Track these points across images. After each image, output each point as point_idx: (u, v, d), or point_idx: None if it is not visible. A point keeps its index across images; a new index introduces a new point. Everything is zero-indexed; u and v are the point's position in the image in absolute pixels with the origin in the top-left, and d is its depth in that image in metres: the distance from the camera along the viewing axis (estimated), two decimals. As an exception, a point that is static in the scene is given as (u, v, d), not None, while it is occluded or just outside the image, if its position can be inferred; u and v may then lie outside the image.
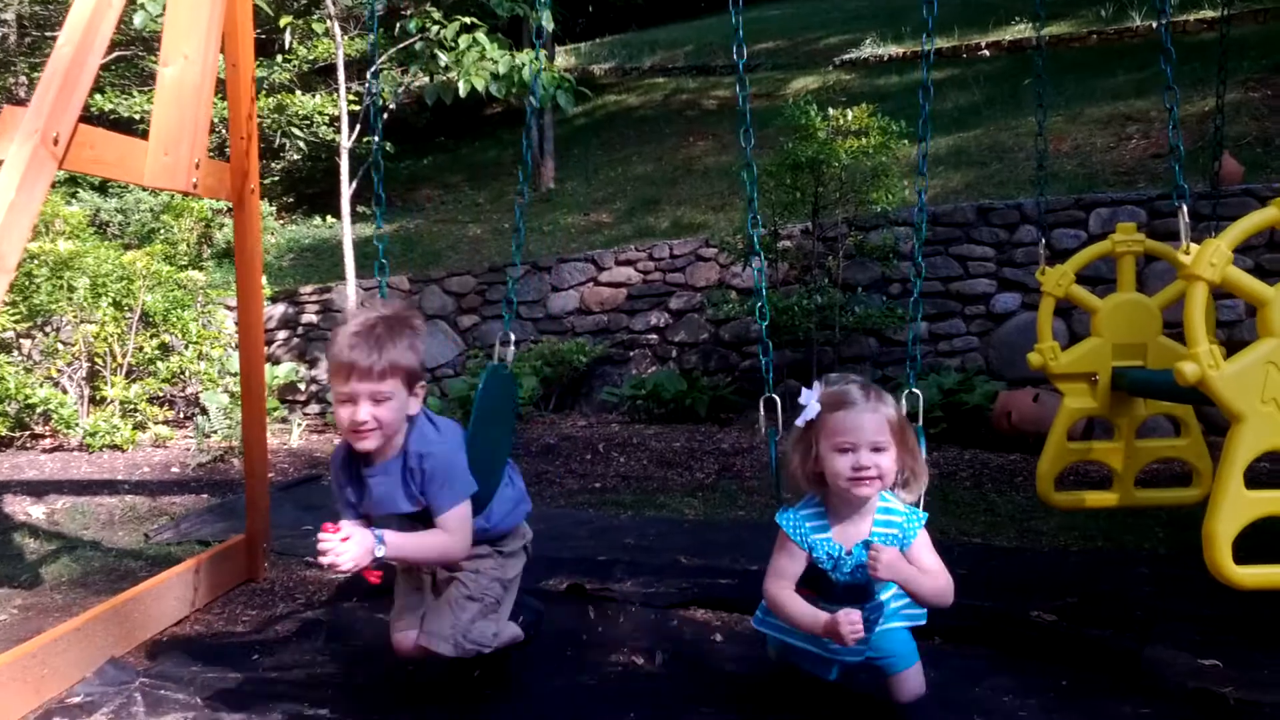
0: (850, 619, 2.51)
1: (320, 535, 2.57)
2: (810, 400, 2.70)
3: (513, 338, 3.15)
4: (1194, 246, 2.99)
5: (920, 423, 2.94)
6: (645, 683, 3.37)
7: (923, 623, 2.85)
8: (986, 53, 14.01)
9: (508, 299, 3.28)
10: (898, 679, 2.83)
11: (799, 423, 2.71)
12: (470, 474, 2.85)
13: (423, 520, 2.82)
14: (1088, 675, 3.35)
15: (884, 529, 2.71)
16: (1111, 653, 3.51)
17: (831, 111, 7.85)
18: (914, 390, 2.90)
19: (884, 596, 2.77)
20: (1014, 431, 6.88)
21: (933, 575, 2.67)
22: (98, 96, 11.37)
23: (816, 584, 2.74)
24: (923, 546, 2.71)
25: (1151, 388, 4.14)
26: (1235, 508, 2.82)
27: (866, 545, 2.65)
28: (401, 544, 2.72)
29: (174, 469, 7.18)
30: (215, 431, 7.65)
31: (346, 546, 2.57)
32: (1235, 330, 6.84)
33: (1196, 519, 4.40)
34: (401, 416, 2.78)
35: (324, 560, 2.55)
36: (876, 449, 2.61)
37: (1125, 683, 3.27)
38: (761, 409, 3.00)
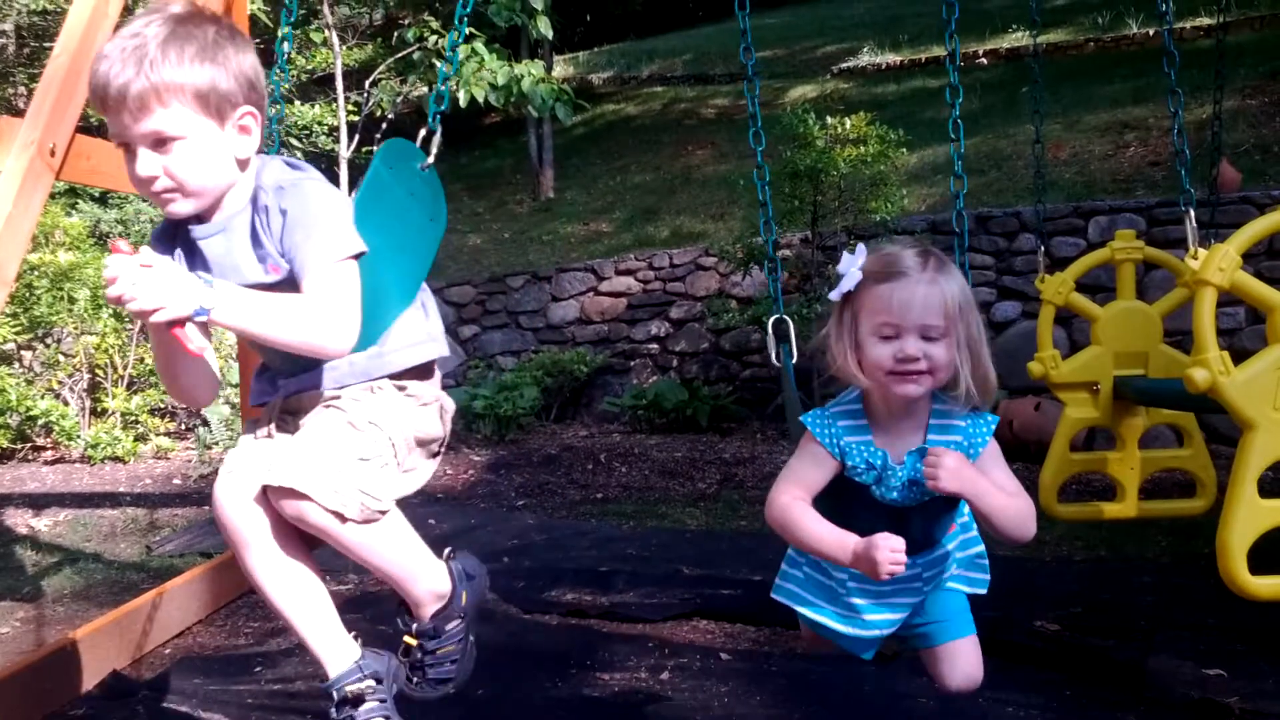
0: (891, 544, 1.88)
1: (108, 259, 1.71)
2: (850, 267, 2.06)
3: (439, 132, 2.44)
4: (1202, 251, 2.95)
5: None
6: (648, 697, 3.36)
7: (983, 591, 2.32)
8: (984, 61, 14.02)
9: (437, 94, 2.66)
10: (947, 650, 2.23)
11: (835, 295, 2.10)
12: (356, 233, 1.97)
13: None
14: (1091, 685, 3.35)
15: (942, 436, 2.08)
16: (1115, 663, 3.51)
17: (829, 120, 7.85)
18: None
19: (950, 545, 2.22)
20: (1015, 441, 6.87)
21: (1010, 495, 2.04)
22: (97, 108, 11.39)
23: (851, 513, 2.06)
24: (994, 459, 2.10)
25: (1154, 396, 4.13)
26: (1249, 517, 2.78)
27: (922, 454, 2.03)
28: (241, 300, 1.80)
29: (176, 480, 7.17)
30: (217, 443, 7.64)
31: (146, 276, 1.69)
32: (1236, 338, 6.84)
33: (1200, 529, 4.42)
34: (216, 164, 1.94)
35: (110, 292, 1.68)
36: (928, 336, 1.98)
37: (1129, 693, 3.27)
38: (770, 331, 2.59)
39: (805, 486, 2.08)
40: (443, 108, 2.57)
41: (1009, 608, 4.10)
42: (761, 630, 3.99)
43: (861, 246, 2.08)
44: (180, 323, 1.74)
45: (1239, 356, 2.82)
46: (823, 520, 2.02)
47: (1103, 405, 4.24)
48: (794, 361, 2.64)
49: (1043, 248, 5.03)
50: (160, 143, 1.87)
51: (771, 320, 2.57)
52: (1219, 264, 2.83)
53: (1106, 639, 3.74)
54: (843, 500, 2.09)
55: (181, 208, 1.94)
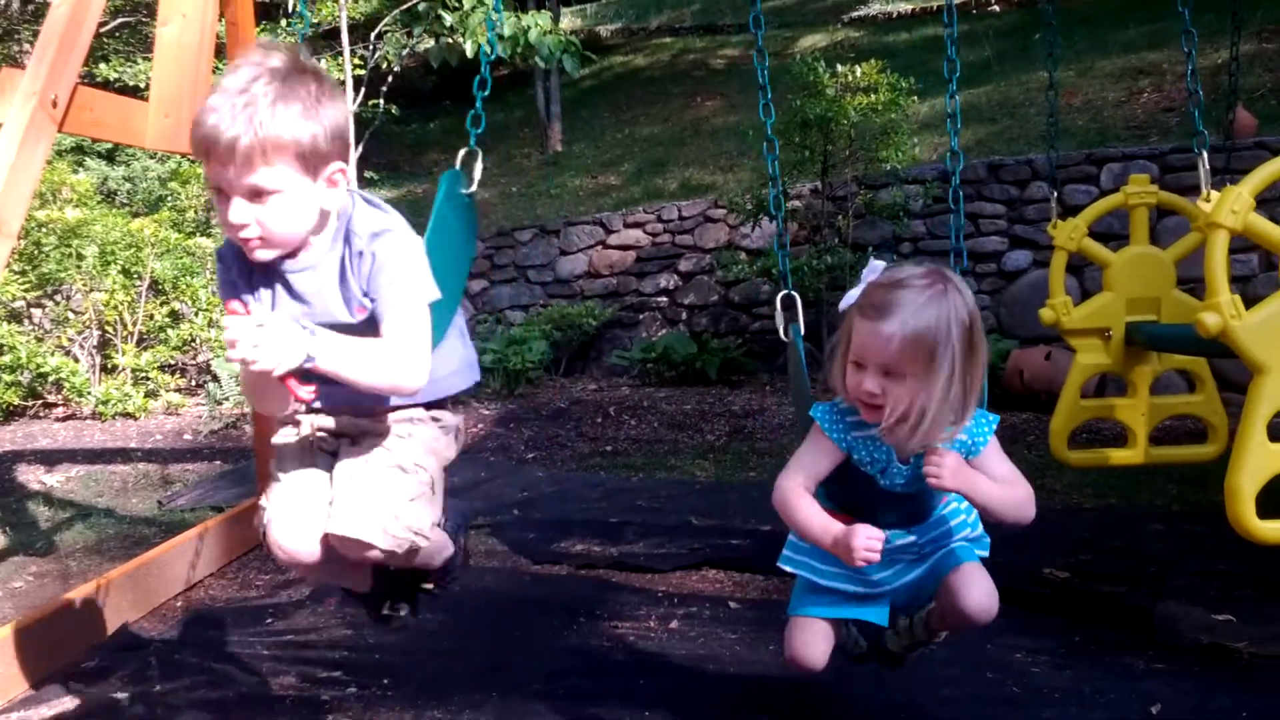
0: (869, 533, 2.04)
1: (224, 320, 1.88)
2: (858, 287, 2.20)
3: (479, 156, 2.57)
4: (1214, 194, 2.92)
5: None
6: (657, 646, 3.37)
7: (986, 554, 2.38)
8: (996, 8, 13.84)
9: (475, 114, 2.68)
10: (957, 576, 2.23)
11: (840, 306, 2.26)
12: (433, 280, 2.10)
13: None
14: (1101, 631, 3.35)
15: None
16: (1124, 609, 3.51)
17: (840, 68, 7.76)
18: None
19: (953, 522, 2.34)
20: (1026, 390, 6.85)
21: (1009, 485, 2.18)
22: (102, 65, 11.32)
23: (857, 491, 2.24)
24: (994, 454, 2.23)
25: (1166, 342, 4.10)
26: (1258, 461, 2.76)
27: (924, 451, 2.11)
28: (340, 347, 1.95)
29: (186, 436, 7.20)
30: (227, 398, 7.65)
31: (264, 337, 1.84)
32: (1249, 286, 6.78)
33: (1210, 476, 4.40)
34: (305, 216, 2.01)
35: (233, 354, 1.83)
36: (889, 373, 2.05)
37: (1138, 638, 3.27)
38: (779, 306, 2.81)
39: (811, 476, 2.22)
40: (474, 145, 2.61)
41: (1018, 555, 4.09)
42: (770, 579, 4.00)
43: (875, 265, 2.21)
44: (292, 374, 1.90)
45: (1251, 304, 2.80)
46: (815, 507, 2.17)
47: (1114, 351, 4.22)
48: (802, 334, 2.81)
49: (1055, 195, 4.97)
50: (257, 194, 1.94)
51: (780, 296, 2.71)
52: (1232, 206, 2.80)
53: (1117, 585, 3.73)
54: (849, 481, 2.24)
55: (265, 254, 2.02)
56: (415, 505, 2.16)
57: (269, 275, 2.08)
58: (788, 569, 2.40)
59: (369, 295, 2.05)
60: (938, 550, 2.32)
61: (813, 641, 2.36)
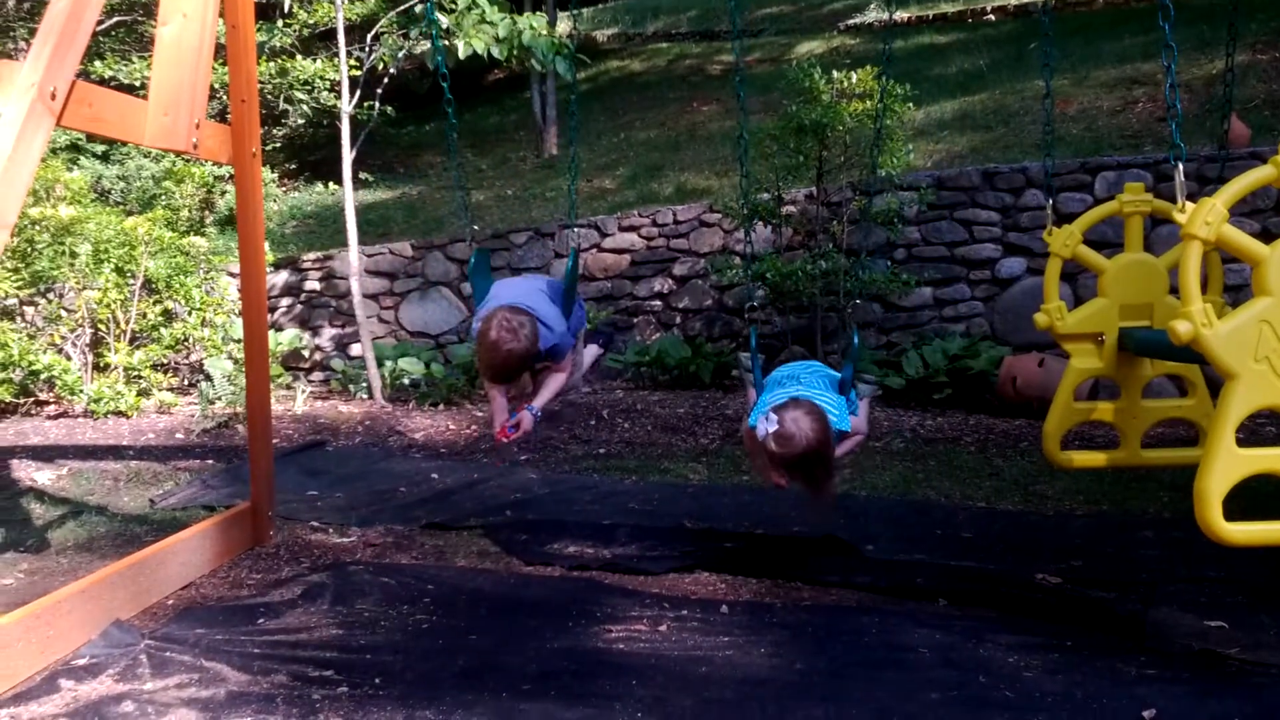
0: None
1: (501, 439, 4.01)
2: (764, 429, 3.42)
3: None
4: (1190, 206, 2.97)
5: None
6: (649, 648, 3.37)
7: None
8: (992, 17, 13.89)
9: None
10: None
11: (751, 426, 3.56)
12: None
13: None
14: (1092, 637, 3.36)
15: None
16: (1116, 615, 3.52)
17: (836, 74, 7.77)
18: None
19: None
20: (1019, 397, 6.86)
21: (858, 438, 3.86)
22: (98, 63, 11.29)
23: None
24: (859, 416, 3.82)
25: (1155, 348, 4.12)
26: (1227, 465, 2.84)
27: None
28: (542, 402, 4.02)
29: (179, 435, 7.18)
30: (219, 398, 7.65)
31: (522, 433, 3.99)
32: (1242, 294, 6.80)
33: (1202, 481, 4.40)
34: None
35: (513, 443, 4.23)
36: (779, 476, 3.47)
37: (1130, 644, 3.28)
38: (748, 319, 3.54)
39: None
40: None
41: (1011, 561, 4.11)
42: (762, 582, 4.01)
43: (774, 417, 3.37)
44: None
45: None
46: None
47: (1107, 356, 4.24)
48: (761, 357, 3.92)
49: (1050, 202, 4.99)
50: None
51: (747, 311, 3.60)
52: (1205, 218, 2.85)
53: (1108, 591, 3.75)
54: None
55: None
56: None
57: None
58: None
59: (548, 358, 4.10)
60: None
61: None
